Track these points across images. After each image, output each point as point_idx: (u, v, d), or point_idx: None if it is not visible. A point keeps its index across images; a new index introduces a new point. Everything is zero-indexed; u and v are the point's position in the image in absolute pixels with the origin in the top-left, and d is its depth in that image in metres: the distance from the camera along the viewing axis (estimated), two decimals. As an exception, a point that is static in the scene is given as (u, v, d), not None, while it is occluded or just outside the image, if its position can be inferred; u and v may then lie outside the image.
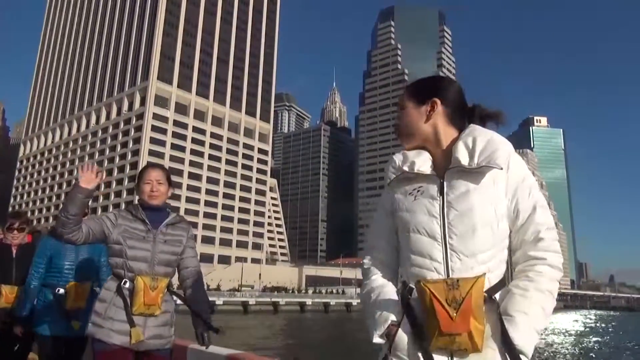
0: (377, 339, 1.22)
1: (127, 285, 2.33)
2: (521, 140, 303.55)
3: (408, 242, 1.33)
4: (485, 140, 1.31)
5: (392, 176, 1.44)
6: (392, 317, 1.23)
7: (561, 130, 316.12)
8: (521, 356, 1.15)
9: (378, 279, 1.36)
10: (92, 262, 3.33)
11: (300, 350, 20.51)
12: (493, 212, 1.27)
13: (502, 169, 1.28)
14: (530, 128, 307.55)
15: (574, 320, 64.86)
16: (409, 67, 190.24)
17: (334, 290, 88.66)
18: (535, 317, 1.21)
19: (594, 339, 35.84)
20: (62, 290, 3.19)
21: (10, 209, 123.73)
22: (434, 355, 1.17)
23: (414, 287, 1.23)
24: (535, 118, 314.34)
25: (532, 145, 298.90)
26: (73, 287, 3.18)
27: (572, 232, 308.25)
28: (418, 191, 1.36)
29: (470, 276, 1.21)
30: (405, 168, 1.40)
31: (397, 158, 1.46)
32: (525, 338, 1.17)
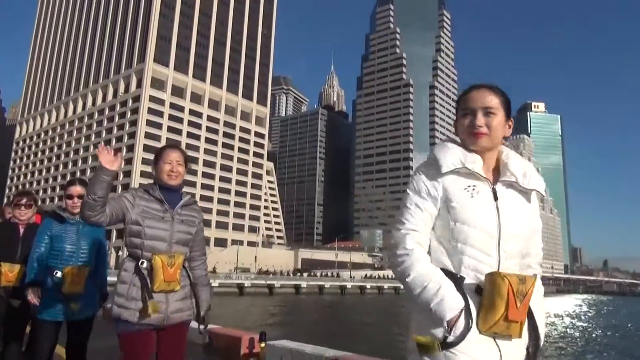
0: (447, 322, 1.29)
1: (145, 265, 2.38)
2: (518, 126, 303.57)
3: (465, 235, 1.42)
4: (527, 164, 1.56)
5: (452, 166, 1.48)
6: (461, 303, 1.32)
7: (559, 116, 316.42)
8: (540, 342, 1.42)
9: (429, 264, 1.40)
10: (94, 245, 3.34)
11: (294, 329, 21.07)
12: (532, 225, 1.53)
13: (543, 196, 1.57)
14: (528, 114, 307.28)
15: (564, 305, 65.94)
16: (407, 51, 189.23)
17: (329, 274, 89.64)
18: (543, 310, 1.50)
19: (579, 323, 36.67)
20: (59, 274, 3.14)
21: (7, 190, 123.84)
22: (482, 336, 1.32)
23: (464, 276, 1.37)
24: (533, 104, 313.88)
25: (529, 131, 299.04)
26: (70, 271, 3.13)
27: (567, 217, 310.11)
28: (474, 189, 1.47)
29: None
30: (468, 165, 1.48)
31: (458, 151, 1.53)
32: (543, 327, 1.46)
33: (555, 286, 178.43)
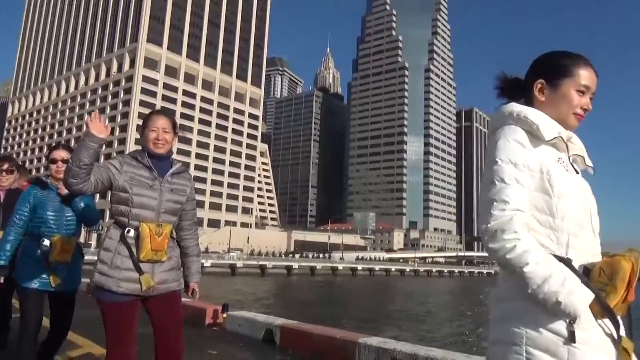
0: (575, 316, 1.19)
1: (131, 233, 2.30)
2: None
3: (567, 212, 1.31)
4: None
5: (553, 135, 1.34)
6: (591, 295, 1.21)
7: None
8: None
9: (542, 250, 1.25)
10: (80, 214, 3.22)
11: (285, 308, 21.63)
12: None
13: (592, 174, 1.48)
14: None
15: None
16: (403, 33, 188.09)
17: (321, 255, 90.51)
18: None
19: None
20: (46, 242, 3.02)
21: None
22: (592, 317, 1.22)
23: (571, 258, 1.25)
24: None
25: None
26: (59, 240, 3.03)
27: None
28: (563, 162, 1.36)
29: (598, 256, 1.30)
30: (564, 135, 1.37)
31: (549, 119, 1.38)
32: None
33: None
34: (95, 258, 2.35)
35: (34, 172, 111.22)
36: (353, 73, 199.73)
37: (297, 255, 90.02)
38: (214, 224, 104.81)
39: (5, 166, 3.79)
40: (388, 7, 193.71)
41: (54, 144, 3.42)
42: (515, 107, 1.40)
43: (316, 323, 4.97)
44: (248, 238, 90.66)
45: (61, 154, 3.16)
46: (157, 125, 2.42)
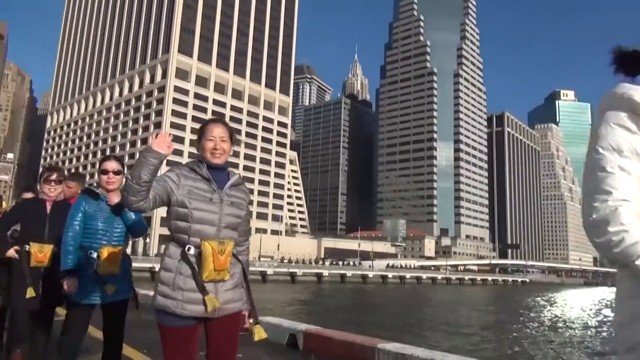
0: None
1: (192, 251, 2.14)
2: (546, 115, 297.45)
3: None
4: None
5: None
6: None
7: (589, 104, 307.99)
8: None
9: None
10: (125, 226, 3.19)
11: (313, 315, 21.72)
12: None
13: None
14: (557, 102, 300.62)
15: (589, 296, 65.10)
16: (431, 38, 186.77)
17: (351, 262, 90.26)
18: None
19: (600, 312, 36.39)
20: (94, 254, 3.00)
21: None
22: None
23: None
24: (562, 92, 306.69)
25: (557, 120, 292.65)
26: (106, 250, 2.99)
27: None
28: None
29: None
30: None
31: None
32: None
33: (583, 279, 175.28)
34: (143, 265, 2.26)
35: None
36: (381, 79, 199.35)
37: (327, 263, 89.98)
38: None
39: (54, 176, 3.70)
40: (415, 13, 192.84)
41: (100, 153, 3.39)
42: (622, 88, 1.24)
43: (341, 329, 5.08)
44: (278, 245, 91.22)
45: (112, 165, 3.15)
46: (214, 134, 2.28)
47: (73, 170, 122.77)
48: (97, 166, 3.23)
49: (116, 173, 3.14)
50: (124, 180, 2.09)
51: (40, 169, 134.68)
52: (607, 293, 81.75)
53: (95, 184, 3.25)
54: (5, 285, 4.07)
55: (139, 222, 3.17)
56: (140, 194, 2.00)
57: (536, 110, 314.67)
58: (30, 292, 3.54)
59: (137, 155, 2.04)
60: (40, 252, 3.58)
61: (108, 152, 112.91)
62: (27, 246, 3.62)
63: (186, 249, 2.15)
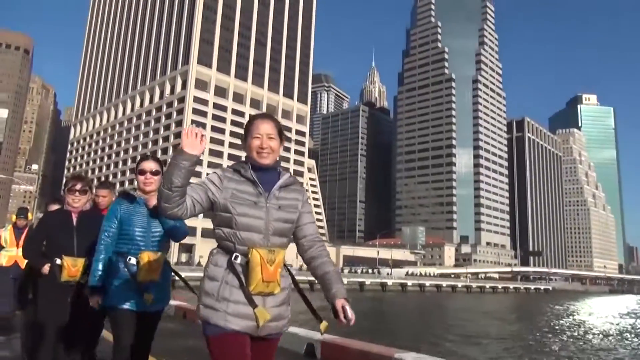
0: None
1: (239, 260, 1.95)
2: (568, 120, 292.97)
3: None
4: None
5: None
6: None
7: (612, 108, 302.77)
8: None
9: None
10: (164, 230, 3.01)
11: (330, 323, 21.73)
12: None
13: None
14: (579, 106, 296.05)
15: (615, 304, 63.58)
16: (449, 45, 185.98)
17: (370, 270, 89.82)
18: None
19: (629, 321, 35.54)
20: (133, 260, 2.86)
21: (63, 188, 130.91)
22: None
23: None
24: (584, 96, 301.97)
25: (580, 125, 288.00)
26: (146, 257, 2.84)
27: (622, 214, 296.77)
28: None
29: None
30: None
31: None
32: None
33: (608, 286, 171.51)
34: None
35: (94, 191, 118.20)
36: (399, 87, 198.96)
37: (345, 270, 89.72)
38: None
39: (78, 186, 3.53)
40: (433, 20, 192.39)
41: (122, 164, 3.20)
42: None
43: (359, 338, 5.13)
44: (297, 254, 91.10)
45: (150, 165, 2.99)
46: (260, 131, 2.06)
47: (96, 181, 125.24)
48: (135, 167, 3.06)
49: (154, 173, 2.99)
50: (160, 187, 1.87)
51: (64, 180, 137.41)
52: (634, 301, 79.73)
53: (134, 187, 3.07)
54: (31, 299, 3.89)
55: (178, 227, 2.99)
56: (173, 200, 1.83)
57: (558, 115, 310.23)
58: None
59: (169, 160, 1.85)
60: (74, 266, 3.43)
61: (129, 162, 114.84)
62: (58, 260, 3.46)
63: (233, 257, 1.97)
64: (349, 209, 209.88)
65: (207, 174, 2.10)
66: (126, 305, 2.83)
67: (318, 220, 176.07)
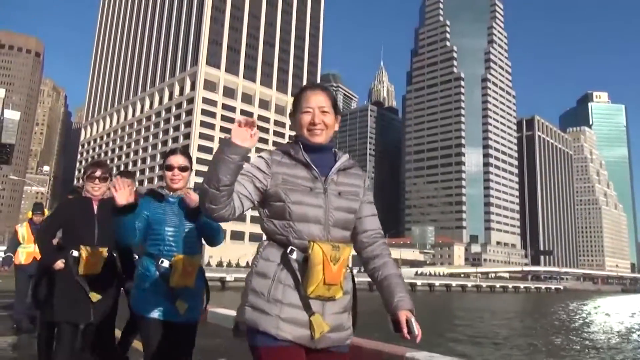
0: None
1: (295, 255, 1.63)
2: (579, 118, 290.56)
3: None
4: None
5: None
6: None
7: (623, 106, 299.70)
8: None
9: None
10: (196, 230, 2.73)
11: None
12: None
13: None
14: (589, 104, 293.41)
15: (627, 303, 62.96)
16: (458, 43, 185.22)
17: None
18: None
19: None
20: (166, 263, 2.57)
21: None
22: None
23: None
24: (594, 94, 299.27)
25: (590, 123, 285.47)
26: (180, 260, 2.54)
27: (634, 213, 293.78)
28: None
29: None
30: None
31: None
32: None
33: (620, 285, 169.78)
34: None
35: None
36: (407, 86, 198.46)
37: (355, 270, 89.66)
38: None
39: (98, 172, 3.29)
40: (441, 19, 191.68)
41: (132, 164, 2.79)
42: None
43: (369, 338, 5.15)
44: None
45: (178, 160, 2.73)
46: (311, 104, 1.74)
47: (115, 170, 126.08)
48: (162, 162, 2.79)
49: (182, 169, 2.74)
50: (204, 186, 1.53)
51: (75, 180, 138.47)
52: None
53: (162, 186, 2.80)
54: (48, 297, 3.55)
55: (215, 228, 2.70)
56: (220, 200, 1.52)
57: (568, 113, 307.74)
58: (94, 297, 3.13)
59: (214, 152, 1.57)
60: (93, 257, 3.13)
61: (139, 163, 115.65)
62: (75, 252, 3.16)
63: (288, 250, 1.63)
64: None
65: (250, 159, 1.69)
66: (155, 314, 2.54)
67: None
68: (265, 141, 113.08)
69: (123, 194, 2.10)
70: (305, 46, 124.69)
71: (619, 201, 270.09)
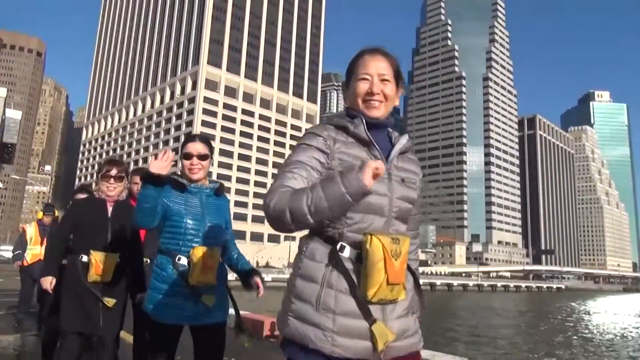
0: None
1: (347, 252, 1.33)
2: (580, 117, 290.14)
3: None
4: None
5: None
6: None
7: (625, 105, 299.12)
8: None
9: None
10: (221, 221, 2.50)
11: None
12: None
13: None
14: (591, 103, 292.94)
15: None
16: (459, 42, 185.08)
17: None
18: None
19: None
20: (184, 260, 2.30)
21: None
22: None
23: None
24: (596, 93, 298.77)
25: (592, 122, 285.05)
26: (200, 252, 2.28)
27: (636, 212, 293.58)
28: None
29: None
30: None
31: None
32: None
33: (622, 285, 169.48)
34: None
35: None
36: (409, 85, 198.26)
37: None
38: (274, 239, 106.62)
39: (114, 171, 3.01)
40: (443, 18, 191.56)
41: (133, 164, 2.44)
42: None
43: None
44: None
45: (197, 147, 2.44)
46: (369, 70, 1.44)
47: (133, 165, 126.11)
48: (180, 150, 2.49)
49: (202, 157, 2.46)
50: (287, 209, 1.24)
51: (77, 180, 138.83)
52: None
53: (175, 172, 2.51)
54: (54, 303, 3.37)
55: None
56: (302, 226, 1.26)
57: (570, 112, 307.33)
58: (110, 302, 2.88)
59: (334, 178, 1.23)
60: (104, 264, 2.87)
61: (140, 163, 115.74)
62: (84, 256, 2.91)
63: (338, 247, 1.33)
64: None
65: (304, 139, 1.40)
66: (169, 318, 2.28)
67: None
68: (266, 140, 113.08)
69: (158, 164, 1.95)
70: (307, 45, 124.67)
71: (621, 200, 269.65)
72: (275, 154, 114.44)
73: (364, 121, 1.40)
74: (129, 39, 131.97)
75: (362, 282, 1.27)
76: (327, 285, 1.29)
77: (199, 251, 2.29)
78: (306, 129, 1.46)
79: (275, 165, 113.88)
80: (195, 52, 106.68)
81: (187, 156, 2.44)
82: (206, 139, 2.54)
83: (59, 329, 3.05)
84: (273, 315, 6.66)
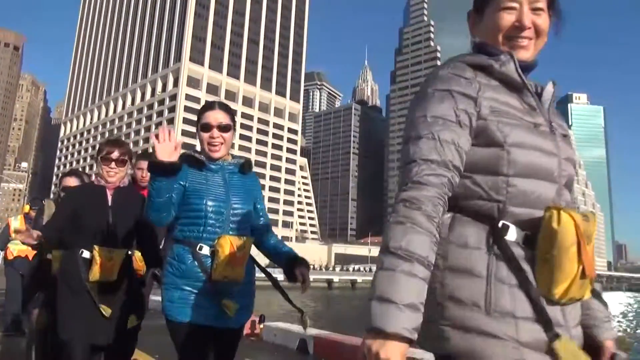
0: None
1: (513, 234, 0.97)
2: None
3: None
4: None
5: None
6: None
7: (602, 107, 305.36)
8: None
9: None
10: (249, 203, 2.10)
11: (323, 320, 21.74)
12: None
13: None
14: (569, 105, 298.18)
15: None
16: (442, 43, 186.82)
17: (362, 268, 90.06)
18: None
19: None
20: (206, 249, 1.91)
21: (52, 187, 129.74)
22: None
23: None
24: (574, 95, 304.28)
25: (570, 123, 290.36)
26: (227, 242, 1.89)
27: (611, 212, 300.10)
28: None
29: None
30: None
31: None
32: None
33: (598, 284, 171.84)
34: None
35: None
36: (391, 85, 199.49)
37: (337, 269, 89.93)
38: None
39: (115, 154, 2.55)
40: (425, 18, 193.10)
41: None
42: None
43: (351, 334, 5.17)
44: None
45: (218, 116, 2.02)
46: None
47: (86, 179, 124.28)
48: (197, 120, 2.07)
49: (223, 129, 2.02)
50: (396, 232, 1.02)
51: (54, 177, 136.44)
52: (624, 297, 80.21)
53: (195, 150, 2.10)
54: (45, 302, 3.01)
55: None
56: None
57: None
58: (105, 310, 2.40)
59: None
60: (108, 260, 2.42)
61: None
62: (86, 252, 2.46)
63: (500, 228, 0.97)
64: (341, 207, 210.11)
65: (438, 82, 1.09)
66: (192, 318, 1.88)
67: (310, 218, 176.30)
68: (248, 139, 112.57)
69: (165, 148, 1.63)
70: (290, 44, 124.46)
71: (597, 201, 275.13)
72: (257, 152, 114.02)
73: (514, 58, 1.05)
74: (109, 34, 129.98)
75: (543, 275, 0.92)
76: (495, 279, 0.93)
77: (226, 240, 1.89)
78: (434, 69, 1.13)
79: (257, 163, 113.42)
80: (177, 48, 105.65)
81: (206, 127, 2.00)
82: (227, 106, 2.09)
83: (49, 329, 2.71)
84: (254, 313, 6.62)
